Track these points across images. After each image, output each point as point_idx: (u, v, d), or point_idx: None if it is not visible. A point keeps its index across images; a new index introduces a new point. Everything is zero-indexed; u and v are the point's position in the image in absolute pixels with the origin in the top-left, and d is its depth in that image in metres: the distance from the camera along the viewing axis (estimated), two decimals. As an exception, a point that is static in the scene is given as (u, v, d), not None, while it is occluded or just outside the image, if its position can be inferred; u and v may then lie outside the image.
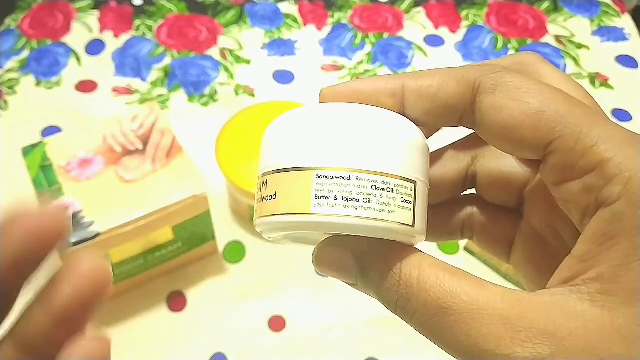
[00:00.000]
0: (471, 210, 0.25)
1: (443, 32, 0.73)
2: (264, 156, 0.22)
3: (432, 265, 0.19)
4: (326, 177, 0.19)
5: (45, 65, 0.67)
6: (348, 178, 0.19)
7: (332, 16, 0.74)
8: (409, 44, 0.71)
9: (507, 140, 0.19)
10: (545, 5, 0.76)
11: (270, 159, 0.21)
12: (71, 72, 0.67)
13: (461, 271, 0.19)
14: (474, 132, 0.21)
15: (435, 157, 0.24)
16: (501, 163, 0.24)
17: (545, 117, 0.18)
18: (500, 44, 0.72)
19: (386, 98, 0.21)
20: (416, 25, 0.74)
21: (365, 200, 0.19)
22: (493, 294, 0.18)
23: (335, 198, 0.19)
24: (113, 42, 0.70)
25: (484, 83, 0.19)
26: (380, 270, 0.20)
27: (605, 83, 0.68)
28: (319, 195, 0.19)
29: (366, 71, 0.68)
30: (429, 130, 0.24)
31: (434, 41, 0.72)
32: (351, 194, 0.19)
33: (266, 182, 0.21)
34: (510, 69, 0.20)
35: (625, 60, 0.70)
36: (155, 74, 0.67)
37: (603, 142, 0.17)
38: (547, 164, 0.19)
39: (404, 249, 0.20)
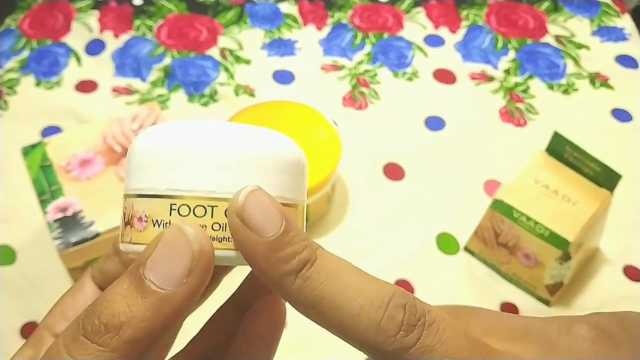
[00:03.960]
0: None
1: (443, 32, 0.73)
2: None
3: None
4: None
5: (45, 65, 0.67)
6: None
7: (332, 16, 0.74)
8: (409, 44, 0.71)
9: None
10: (545, 5, 0.76)
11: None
12: (71, 72, 0.67)
13: None
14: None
15: None
16: None
17: None
18: (500, 44, 0.72)
19: None
20: (416, 25, 0.74)
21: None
22: None
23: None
24: (113, 42, 0.70)
25: None
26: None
27: (605, 83, 0.68)
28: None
29: (366, 71, 0.68)
30: None
31: (434, 41, 0.72)
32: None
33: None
34: None
35: (625, 60, 0.70)
36: (155, 74, 0.67)
37: None
38: None
39: None
